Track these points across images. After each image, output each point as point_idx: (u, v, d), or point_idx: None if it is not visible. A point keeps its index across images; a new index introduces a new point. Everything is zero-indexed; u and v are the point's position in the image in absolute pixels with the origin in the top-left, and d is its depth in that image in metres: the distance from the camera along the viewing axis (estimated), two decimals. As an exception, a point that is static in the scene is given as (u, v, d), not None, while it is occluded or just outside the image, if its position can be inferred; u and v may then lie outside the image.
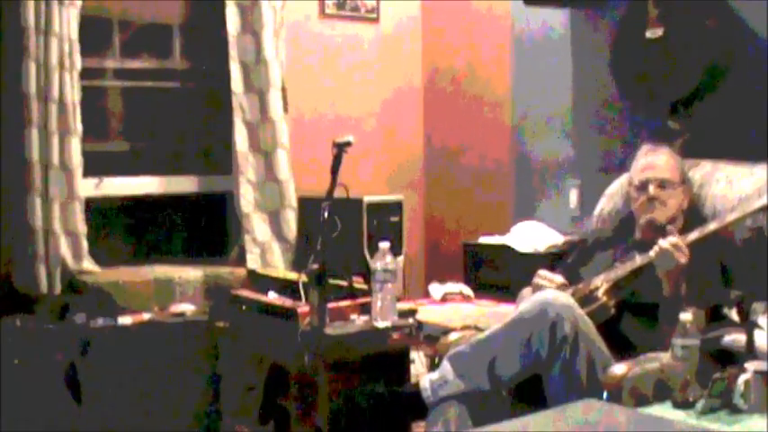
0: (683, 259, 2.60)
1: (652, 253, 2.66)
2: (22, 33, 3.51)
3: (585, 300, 2.74)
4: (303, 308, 2.87)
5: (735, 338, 2.43)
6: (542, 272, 2.93)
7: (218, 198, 4.31)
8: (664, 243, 2.63)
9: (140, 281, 3.76)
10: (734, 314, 2.58)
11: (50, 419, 3.26)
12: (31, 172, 3.55)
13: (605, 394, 2.39)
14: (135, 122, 4.20)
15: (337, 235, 2.93)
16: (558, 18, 3.93)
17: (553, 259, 3.35)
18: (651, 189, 2.87)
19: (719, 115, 3.27)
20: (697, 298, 2.58)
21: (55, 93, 3.59)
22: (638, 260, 2.74)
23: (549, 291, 2.71)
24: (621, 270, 2.77)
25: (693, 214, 2.90)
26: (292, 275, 3.33)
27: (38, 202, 3.57)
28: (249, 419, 3.23)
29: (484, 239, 3.91)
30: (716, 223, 2.71)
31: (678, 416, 2.18)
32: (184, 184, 4.22)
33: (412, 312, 3.05)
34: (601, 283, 2.77)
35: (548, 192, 4.04)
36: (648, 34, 3.31)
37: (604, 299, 2.72)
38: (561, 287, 2.83)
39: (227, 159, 4.18)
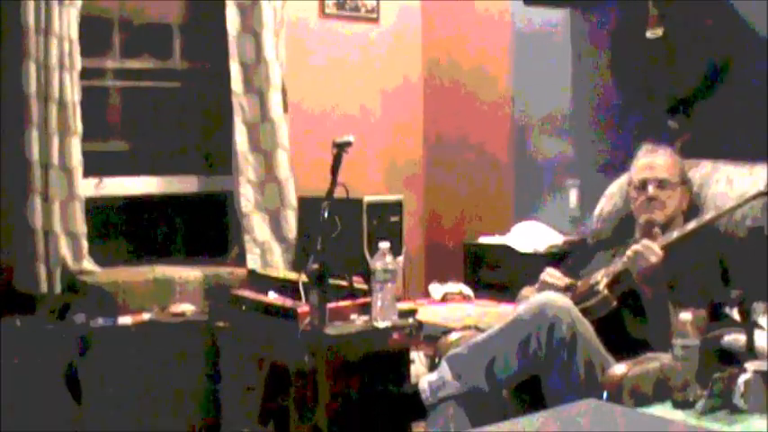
0: (653, 259, 2.61)
1: (625, 258, 2.68)
2: (22, 33, 3.50)
3: (586, 294, 2.75)
4: (303, 308, 2.87)
5: (735, 338, 2.43)
6: (551, 270, 2.92)
7: (218, 198, 4.31)
8: (636, 246, 2.65)
9: (140, 281, 3.75)
10: (735, 314, 2.58)
11: (50, 419, 3.26)
12: (31, 172, 3.55)
13: (605, 394, 2.39)
14: (135, 122, 4.20)
15: (337, 235, 2.93)
16: (558, 18, 3.93)
17: (553, 259, 3.35)
18: (650, 189, 2.87)
19: (719, 115, 3.27)
20: (697, 297, 2.58)
21: (55, 93, 3.58)
22: (619, 263, 2.74)
23: (547, 292, 2.71)
24: (621, 264, 2.77)
25: (693, 214, 2.90)
26: (292, 275, 3.33)
27: (38, 202, 3.57)
28: (249, 419, 3.23)
29: (484, 239, 3.91)
30: (713, 212, 2.72)
31: (678, 416, 2.18)
32: (184, 184, 4.22)
33: (412, 312, 3.05)
34: (601, 278, 2.77)
35: (548, 192, 4.04)
36: (648, 34, 3.31)
37: (605, 292, 2.72)
38: (566, 288, 2.83)
39: (227, 159, 4.18)
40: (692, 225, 2.71)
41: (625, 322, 2.73)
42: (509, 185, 4.24)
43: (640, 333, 2.67)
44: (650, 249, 2.63)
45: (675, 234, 2.71)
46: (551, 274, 2.89)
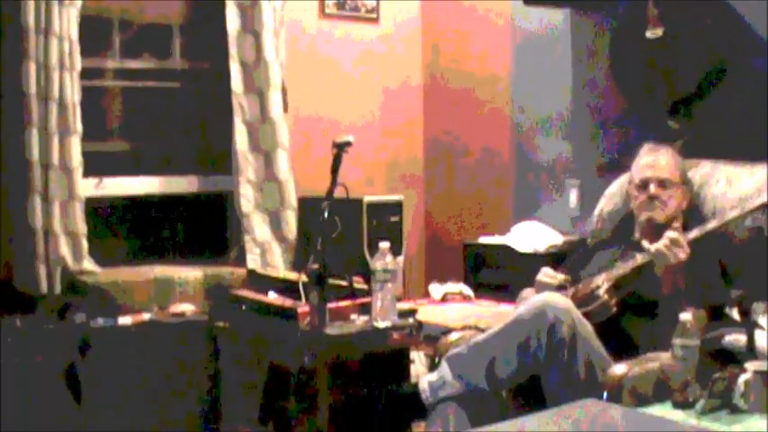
0: (682, 255, 2.61)
1: (653, 248, 2.67)
2: (22, 33, 3.50)
3: (587, 299, 2.75)
4: (303, 308, 2.87)
5: (735, 338, 2.43)
6: (546, 269, 2.93)
7: (218, 198, 4.31)
8: (664, 239, 2.64)
9: (140, 281, 3.75)
10: (735, 314, 2.58)
11: (50, 419, 3.26)
12: (32, 172, 3.55)
13: (605, 394, 2.39)
14: (135, 122, 4.20)
15: (337, 235, 2.93)
16: (558, 18, 3.93)
17: (553, 259, 3.35)
18: (652, 188, 2.88)
19: (719, 115, 3.27)
20: (698, 297, 2.58)
21: (55, 93, 3.58)
22: (639, 258, 2.74)
23: (547, 293, 2.72)
24: (622, 269, 2.77)
25: (693, 214, 2.90)
26: (292, 275, 3.33)
27: (38, 202, 3.57)
28: (249, 419, 3.23)
29: (484, 239, 3.91)
30: (716, 221, 2.72)
31: (678, 416, 2.18)
32: (184, 184, 4.22)
33: (412, 312, 3.05)
34: (602, 282, 2.77)
35: (548, 192, 4.04)
36: (648, 34, 3.31)
37: (605, 297, 2.72)
38: (563, 284, 2.83)
39: (227, 159, 4.18)
40: (694, 233, 2.71)
41: (625, 324, 2.73)
42: (509, 185, 4.24)
43: (641, 335, 2.67)
44: (680, 243, 2.63)
45: (695, 231, 2.71)
46: (546, 273, 2.90)
